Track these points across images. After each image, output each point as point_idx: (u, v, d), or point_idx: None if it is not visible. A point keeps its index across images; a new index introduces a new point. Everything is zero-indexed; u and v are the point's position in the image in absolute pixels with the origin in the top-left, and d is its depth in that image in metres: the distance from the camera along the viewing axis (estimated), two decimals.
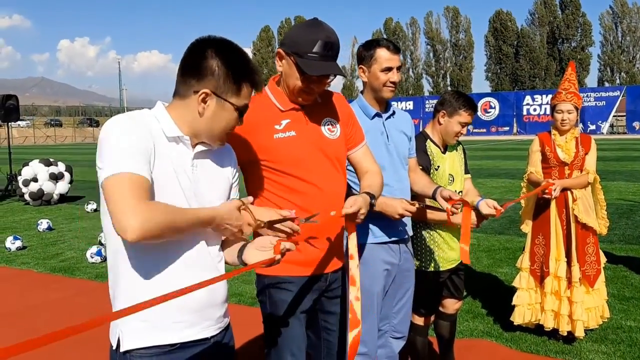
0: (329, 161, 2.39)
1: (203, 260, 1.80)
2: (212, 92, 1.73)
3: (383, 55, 2.84)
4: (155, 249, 1.68)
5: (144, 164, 1.62)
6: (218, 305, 1.88)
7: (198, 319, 1.81)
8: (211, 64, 1.72)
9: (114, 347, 1.75)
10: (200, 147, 1.82)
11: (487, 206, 3.07)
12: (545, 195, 3.98)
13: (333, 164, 2.41)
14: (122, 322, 1.73)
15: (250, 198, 1.87)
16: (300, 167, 2.30)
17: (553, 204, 4.11)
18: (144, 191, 1.58)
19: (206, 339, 1.85)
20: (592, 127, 44.02)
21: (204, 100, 1.74)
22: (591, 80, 68.25)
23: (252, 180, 2.37)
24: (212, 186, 1.84)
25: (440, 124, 3.38)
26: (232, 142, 2.17)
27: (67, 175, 12.64)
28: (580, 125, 43.58)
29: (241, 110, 1.80)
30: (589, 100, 44.42)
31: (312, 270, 2.38)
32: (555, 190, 3.94)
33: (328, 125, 2.43)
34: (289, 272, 2.34)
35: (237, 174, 2.02)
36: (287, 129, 2.31)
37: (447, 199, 2.80)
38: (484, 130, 47.92)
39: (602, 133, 42.51)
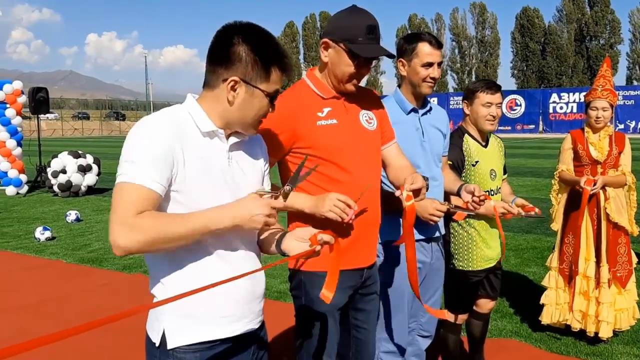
0: (367, 151, 2.38)
1: (241, 252, 1.80)
2: (241, 79, 1.70)
3: (425, 49, 2.80)
4: (193, 243, 1.67)
5: (160, 171, 1.60)
6: (259, 298, 1.89)
7: (242, 312, 1.80)
8: (238, 50, 1.69)
9: (157, 344, 1.73)
10: (233, 139, 1.80)
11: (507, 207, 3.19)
12: (584, 187, 3.87)
13: (371, 155, 2.41)
14: (166, 319, 1.72)
15: (265, 187, 1.85)
16: (341, 156, 2.28)
17: (584, 203, 4.04)
18: (144, 202, 1.57)
19: (249, 332, 1.85)
20: (621, 126, 43.28)
21: (233, 88, 1.70)
22: (619, 78, 66.98)
23: (290, 168, 2.33)
24: (247, 178, 1.83)
25: (467, 114, 3.34)
26: (273, 129, 2.17)
27: (94, 168, 12.80)
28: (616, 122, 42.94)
29: (272, 96, 1.76)
30: (618, 99, 43.72)
31: (349, 265, 2.34)
32: (596, 185, 3.87)
33: (366, 117, 2.43)
34: (325, 268, 2.32)
35: (267, 163, 2.00)
36: (329, 116, 2.30)
37: (471, 193, 2.74)
38: (509, 128, 47.36)
39: (638, 131, 41.73)
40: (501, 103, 3.30)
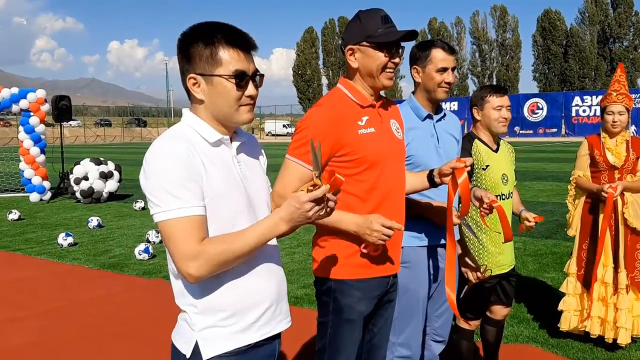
0: (399, 159, 2.46)
1: (265, 253, 1.81)
2: (197, 73, 1.71)
3: (438, 55, 2.85)
4: None
5: (195, 192, 1.63)
6: (285, 297, 1.92)
7: (273, 314, 1.83)
8: (186, 50, 1.72)
9: (188, 355, 1.73)
10: (236, 143, 1.82)
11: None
12: (605, 193, 3.84)
13: (401, 162, 2.49)
14: (199, 330, 1.73)
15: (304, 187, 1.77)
16: (379, 164, 2.32)
17: (602, 209, 4.01)
18: (198, 231, 1.62)
19: (279, 334, 1.88)
20: None
21: (195, 86, 1.72)
22: None
23: (326, 178, 2.35)
24: (255, 177, 1.86)
25: (478, 120, 3.36)
26: (317, 138, 2.22)
27: (116, 174, 12.98)
28: (633, 127, 42.34)
29: (238, 76, 1.70)
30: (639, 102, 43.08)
31: (379, 273, 2.39)
32: (617, 189, 3.84)
33: (395, 126, 2.50)
34: (355, 275, 2.34)
35: (266, 160, 2.03)
36: (368, 125, 2.35)
37: (479, 200, 2.76)
38: (531, 131, 46.97)
39: None
40: (510, 106, 3.34)
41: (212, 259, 1.61)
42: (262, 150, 2.01)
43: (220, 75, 1.69)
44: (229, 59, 1.70)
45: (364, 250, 2.30)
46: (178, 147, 1.65)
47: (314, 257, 2.47)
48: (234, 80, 1.70)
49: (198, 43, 1.70)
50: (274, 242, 1.87)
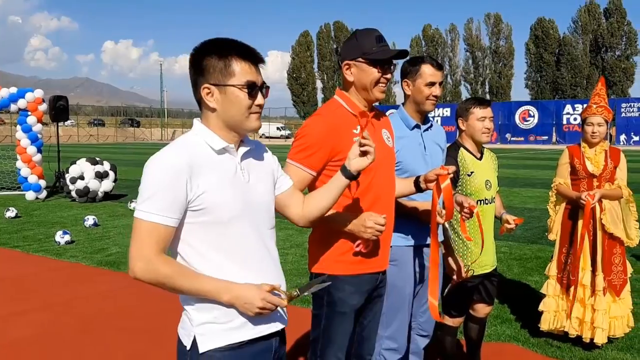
0: (389, 166, 2.69)
1: (264, 261, 1.97)
2: (211, 84, 1.86)
3: (427, 71, 3.09)
4: (217, 253, 1.86)
5: (171, 204, 1.78)
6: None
7: (270, 313, 1.91)
8: (201, 61, 1.88)
9: (188, 348, 1.88)
10: (242, 150, 1.96)
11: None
12: (583, 200, 4.05)
13: (391, 169, 2.72)
14: (197, 325, 1.87)
15: (281, 286, 1.97)
16: (372, 169, 2.44)
17: (581, 215, 4.23)
18: (157, 238, 1.78)
19: (277, 332, 2.00)
20: (636, 138, 43.12)
21: (209, 95, 1.88)
22: (635, 90, 66.61)
23: (323, 181, 2.51)
24: (259, 183, 1.99)
25: (463, 130, 3.58)
26: (314, 145, 2.46)
27: (111, 174, 13.13)
28: (623, 135, 42.72)
29: (250, 86, 1.87)
30: (633, 111, 43.56)
31: (370, 269, 2.60)
32: (595, 197, 4.06)
33: (385, 135, 2.73)
34: (349, 271, 2.54)
35: (278, 163, 2.18)
36: (361, 130, 2.55)
37: (460, 205, 2.98)
38: (522, 138, 47.42)
39: None
40: (492, 117, 3.58)
41: (157, 275, 1.79)
42: (270, 153, 2.16)
43: (233, 85, 1.86)
44: (241, 71, 1.87)
45: (357, 249, 2.51)
46: (174, 158, 1.81)
47: (310, 255, 2.67)
48: (246, 90, 1.87)
49: (212, 56, 1.87)
50: (273, 244, 2.04)
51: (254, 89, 1.89)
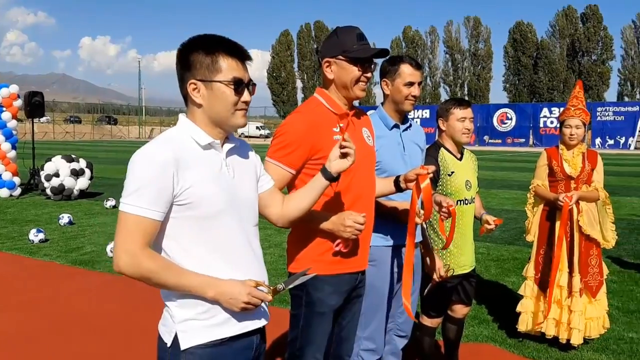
0: (369, 164, 2.67)
1: (248, 257, 1.96)
2: (198, 79, 1.86)
3: (406, 70, 3.06)
4: (201, 249, 1.85)
5: (156, 198, 1.77)
6: None
7: (252, 310, 1.91)
8: (188, 57, 1.88)
9: (169, 345, 1.86)
10: (227, 146, 1.96)
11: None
12: (560, 202, 4.08)
13: (371, 168, 2.70)
14: (179, 322, 1.86)
15: (264, 282, 1.98)
16: (352, 168, 2.40)
17: (558, 216, 4.26)
18: (143, 232, 1.77)
19: (258, 329, 2.00)
20: (611, 141, 43.81)
21: (195, 91, 1.88)
22: (611, 94, 67.74)
23: (303, 180, 2.49)
24: (244, 179, 2.00)
25: (443, 130, 3.58)
26: (294, 143, 2.43)
27: (87, 172, 12.94)
28: (599, 139, 43.39)
29: (236, 83, 1.88)
30: (608, 115, 44.26)
31: (349, 269, 2.58)
32: (572, 199, 4.09)
33: (366, 133, 2.71)
34: (328, 271, 2.51)
35: (260, 162, 2.19)
36: (342, 132, 2.52)
37: (438, 205, 2.97)
38: (500, 141, 47.86)
39: (628, 147, 42.48)
40: (472, 117, 3.58)
41: (141, 270, 1.77)
42: (254, 152, 2.16)
43: (220, 81, 1.87)
44: (228, 67, 1.88)
45: (336, 248, 2.49)
46: (160, 152, 1.80)
47: (288, 255, 2.64)
48: (232, 87, 1.88)
49: (199, 52, 1.87)
50: (256, 241, 2.03)
51: (241, 85, 1.90)
